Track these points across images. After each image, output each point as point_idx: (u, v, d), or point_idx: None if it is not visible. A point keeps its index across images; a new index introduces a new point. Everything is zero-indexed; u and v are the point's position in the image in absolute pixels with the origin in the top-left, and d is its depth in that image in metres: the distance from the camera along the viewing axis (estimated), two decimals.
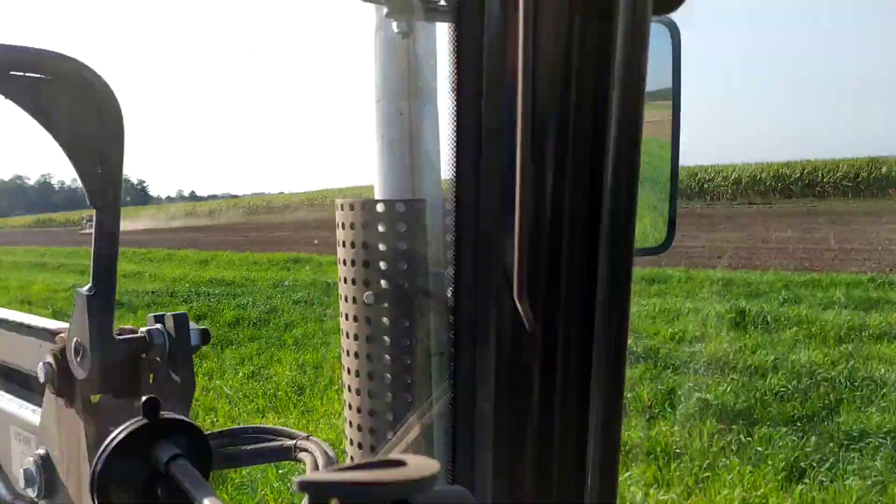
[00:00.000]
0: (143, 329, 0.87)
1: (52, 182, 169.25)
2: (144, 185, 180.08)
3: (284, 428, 1.11)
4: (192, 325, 0.89)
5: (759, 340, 7.08)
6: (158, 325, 0.87)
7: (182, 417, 0.71)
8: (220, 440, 1.06)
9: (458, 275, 0.53)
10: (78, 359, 0.82)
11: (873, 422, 5.03)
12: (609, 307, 0.51)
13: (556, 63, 0.46)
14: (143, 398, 0.67)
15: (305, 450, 1.02)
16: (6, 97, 0.70)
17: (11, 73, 0.69)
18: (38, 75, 0.71)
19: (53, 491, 0.91)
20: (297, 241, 23.89)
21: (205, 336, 0.90)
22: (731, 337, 7.23)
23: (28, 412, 1.02)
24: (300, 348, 7.80)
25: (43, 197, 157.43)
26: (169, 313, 0.87)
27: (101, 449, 0.67)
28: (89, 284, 0.81)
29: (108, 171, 0.77)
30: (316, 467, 0.95)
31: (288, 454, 1.04)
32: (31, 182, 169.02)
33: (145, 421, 0.68)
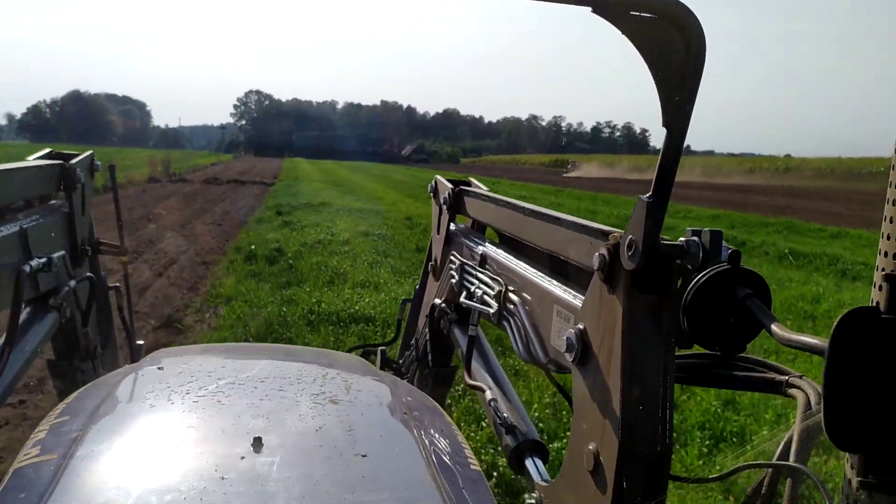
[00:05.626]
0: (681, 239, 0.99)
1: (562, 125, 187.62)
2: (647, 134, 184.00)
3: (779, 364, 1.15)
4: (724, 244, 0.98)
5: None
6: (695, 238, 0.98)
7: (753, 270, 0.96)
8: (713, 360, 1.16)
9: None
10: (629, 253, 0.98)
11: None
12: None
13: None
14: (731, 249, 0.91)
15: (797, 387, 1.05)
16: (624, 34, 0.86)
17: (632, 13, 0.85)
18: (650, 15, 0.85)
19: (587, 359, 1.11)
20: None
21: (734, 256, 0.99)
22: None
23: (569, 296, 1.24)
24: None
25: (550, 137, 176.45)
26: (707, 229, 0.98)
27: (694, 281, 0.95)
28: (650, 192, 0.96)
29: (684, 98, 0.89)
30: (808, 406, 0.98)
31: (778, 388, 1.08)
32: (544, 123, 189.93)
33: (728, 266, 0.94)
